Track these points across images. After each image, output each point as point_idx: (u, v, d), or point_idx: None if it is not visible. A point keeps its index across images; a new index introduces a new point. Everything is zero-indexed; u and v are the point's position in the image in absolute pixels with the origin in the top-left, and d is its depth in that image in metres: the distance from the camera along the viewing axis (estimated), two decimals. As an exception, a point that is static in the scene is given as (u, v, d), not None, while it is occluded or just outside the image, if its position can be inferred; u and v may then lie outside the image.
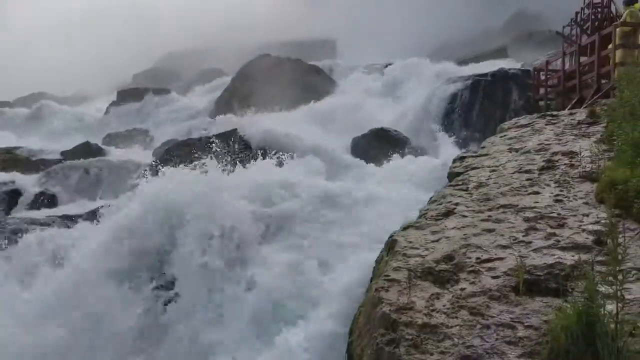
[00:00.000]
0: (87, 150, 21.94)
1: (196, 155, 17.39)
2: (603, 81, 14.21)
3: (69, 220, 13.03)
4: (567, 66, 17.11)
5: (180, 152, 17.91)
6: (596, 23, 20.11)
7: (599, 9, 21.65)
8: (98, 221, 10.51)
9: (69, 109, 36.90)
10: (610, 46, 13.83)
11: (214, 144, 15.26)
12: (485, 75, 20.73)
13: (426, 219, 6.34)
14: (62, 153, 22.47)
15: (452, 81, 21.31)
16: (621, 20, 13.84)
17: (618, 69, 12.23)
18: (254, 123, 19.46)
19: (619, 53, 12.89)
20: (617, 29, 13.21)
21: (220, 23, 58.14)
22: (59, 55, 61.01)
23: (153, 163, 18.47)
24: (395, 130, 19.34)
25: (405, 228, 6.21)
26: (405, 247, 5.58)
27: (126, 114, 33.56)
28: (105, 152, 22.17)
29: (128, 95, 36.20)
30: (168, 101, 34.07)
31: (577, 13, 23.43)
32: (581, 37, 20.10)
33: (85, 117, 35.61)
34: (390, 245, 5.85)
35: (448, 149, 17.90)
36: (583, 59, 16.09)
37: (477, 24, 44.20)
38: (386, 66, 30.14)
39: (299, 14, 56.13)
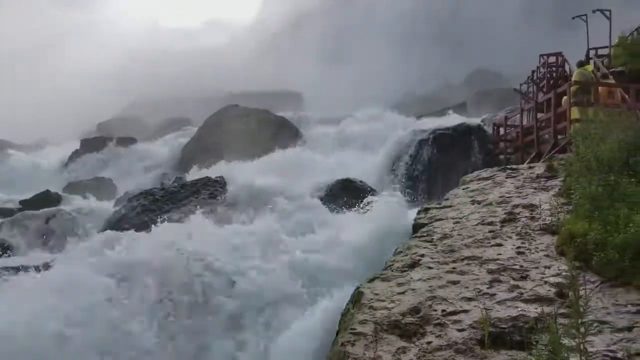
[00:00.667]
0: (47, 199, 21.42)
1: (160, 205, 17.25)
2: (559, 137, 14.76)
3: (14, 272, 12.46)
4: (525, 122, 17.75)
5: (144, 202, 17.64)
6: (551, 81, 21.09)
7: (554, 68, 22.77)
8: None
9: (30, 157, 36.21)
10: (564, 99, 14.48)
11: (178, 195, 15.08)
12: (447, 129, 21.28)
13: (392, 271, 6.36)
14: (21, 202, 21.90)
15: (415, 134, 21.79)
16: (572, 79, 14.64)
17: (573, 125, 12.74)
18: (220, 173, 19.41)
19: (574, 110, 13.47)
20: (571, 88, 13.93)
21: (187, 73, 58.62)
22: (20, 102, 60.24)
23: (114, 213, 18.15)
24: (361, 181, 19.54)
25: (371, 280, 6.21)
26: (371, 299, 5.57)
27: (89, 163, 33.09)
28: (66, 201, 21.68)
29: (92, 143, 35.76)
30: (133, 150, 33.76)
31: (533, 72, 24.58)
32: (537, 95, 20.99)
33: (46, 166, 34.95)
34: (357, 298, 5.82)
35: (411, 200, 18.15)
36: (540, 115, 16.73)
37: (439, 80, 45.74)
38: (343, 119, 30.80)
39: (267, 67, 57.12)
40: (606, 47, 20.92)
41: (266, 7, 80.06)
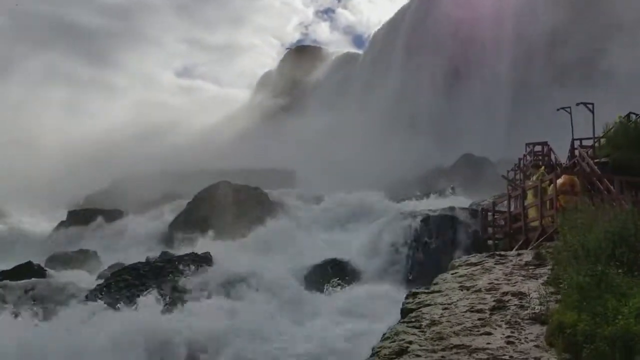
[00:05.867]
0: (28, 270, 20.99)
1: (144, 280, 16.94)
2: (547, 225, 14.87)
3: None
4: (512, 208, 17.88)
5: (128, 276, 17.34)
6: (538, 169, 21.46)
7: (540, 157, 23.30)
8: None
9: (16, 228, 35.83)
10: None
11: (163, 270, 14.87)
12: (435, 212, 21.45)
13: (379, 358, 6.20)
14: (2, 273, 21.43)
15: (404, 217, 21.91)
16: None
17: (560, 214, 12.89)
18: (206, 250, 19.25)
19: (561, 198, 13.67)
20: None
21: (179, 149, 59.33)
22: (11, 172, 60.27)
23: (97, 287, 17.77)
24: (348, 262, 19.48)
25: (358, 367, 6.05)
26: (357, 387, 5.40)
27: (75, 235, 32.75)
28: (48, 274, 21.25)
29: (79, 216, 35.57)
30: (120, 224, 33.55)
31: (520, 159, 25.11)
32: (524, 182, 21.32)
33: (31, 237, 34.51)
34: (343, 385, 5.65)
35: (399, 282, 18.02)
36: (527, 202, 16.91)
37: (428, 164, 46.47)
38: (334, 198, 31.04)
39: (259, 144, 58.02)
40: (590, 138, 21.55)
41: (259, 87, 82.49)
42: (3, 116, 77.21)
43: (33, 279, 19.57)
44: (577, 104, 22.36)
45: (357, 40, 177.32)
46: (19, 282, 18.86)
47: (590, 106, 21.87)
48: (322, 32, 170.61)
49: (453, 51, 58.43)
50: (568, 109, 23.43)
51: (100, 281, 18.77)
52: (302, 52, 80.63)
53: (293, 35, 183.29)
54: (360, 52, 77.37)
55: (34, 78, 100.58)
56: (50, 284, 18.69)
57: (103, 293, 16.75)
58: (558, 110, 24.22)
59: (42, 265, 22.98)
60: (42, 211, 44.06)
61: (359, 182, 33.45)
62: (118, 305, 12.38)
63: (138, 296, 15.39)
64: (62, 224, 35.32)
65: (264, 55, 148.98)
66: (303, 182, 46.45)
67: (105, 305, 12.67)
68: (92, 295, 17.19)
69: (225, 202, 30.53)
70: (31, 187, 55.23)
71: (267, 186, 34.60)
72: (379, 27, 70.19)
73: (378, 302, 12.16)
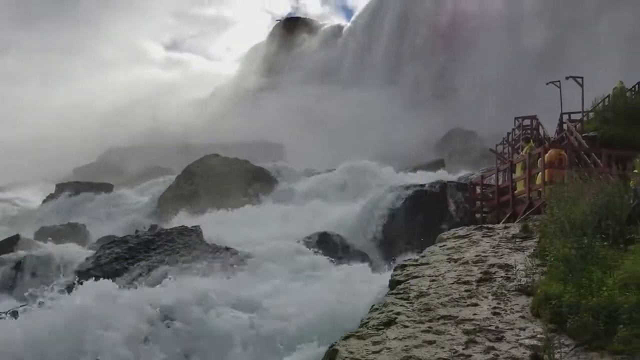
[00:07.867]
0: (17, 244, 20.93)
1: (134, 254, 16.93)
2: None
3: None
4: (500, 182, 18.01)
5: (117, 249, 17.31)
6: (526, 143, 21.53)
7: (529, 131, 23.39)
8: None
9: (3, 201, 35.58)
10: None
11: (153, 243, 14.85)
12: (424, 185, 21.51)
13: (367, 328, 6.28)
14: (-10, 245, 21.36)
15: (392, 189, 21.96)
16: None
17: (547, 187, 13.00)
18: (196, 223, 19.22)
19: (547, 172, 13.77)
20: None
21: (169, 122, 58.91)
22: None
23: (86, 260, 17.75)
24: (338, 235, 19.53)
25: (346, 337, 6.12)
26: (345, 357, 5.48)
27: (63, 208, 32.58)
28: (37, 247, 21.18)
29: (67, 188, 35.35)
30: (108, 197, 33.40)
31: (508, 133, 25.19)
32: (513, 155, 21.43)
33: (19, 210, 34.33)
34: (331, 356, 5.72)
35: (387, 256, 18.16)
36: (515, 176, 17.01)
37: (417, 137, 46.47)
38: (322, 171, 31.01)
39: (248, 118, 57.70)
40: (579, 112, 21.62)
41: (245, 62, 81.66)
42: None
43: (22, 252, 19.52)
44: (567, 78, 22.36)
45: (349, 14, 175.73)
46: (7, 255, 18.80)
47: (579, 80, 21.88)
48: (313, 5, 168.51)
49: (444, 26, 58.12)
50: (557, 83, 23.44)
51: (90, 254, 18.73)
52: (292, 24, 79.60)
53: (284, 9, 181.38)
54: (350, 24, 76.36)
55: (19, 49, 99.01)
56: (39, 257, 18.64)
57: (93, 266, 16.75)
58: (547, 84, 24.22)
59: (31, 238, 22.90)
60: (31, 185, 43.76)
61: (347, 156, 33.37)
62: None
63: (127, 269, 15.43)
64: (50, 197, 35.11)
65: (254, 29, 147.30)
66: (292, 156, 46.36)
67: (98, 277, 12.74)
68: (83, 268, 17.19)
69: (215, 175, 30.45)
70: (19, 161, 54.81)
71: (256, 159, 34.48)
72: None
73: (365, 275, 12.30)
